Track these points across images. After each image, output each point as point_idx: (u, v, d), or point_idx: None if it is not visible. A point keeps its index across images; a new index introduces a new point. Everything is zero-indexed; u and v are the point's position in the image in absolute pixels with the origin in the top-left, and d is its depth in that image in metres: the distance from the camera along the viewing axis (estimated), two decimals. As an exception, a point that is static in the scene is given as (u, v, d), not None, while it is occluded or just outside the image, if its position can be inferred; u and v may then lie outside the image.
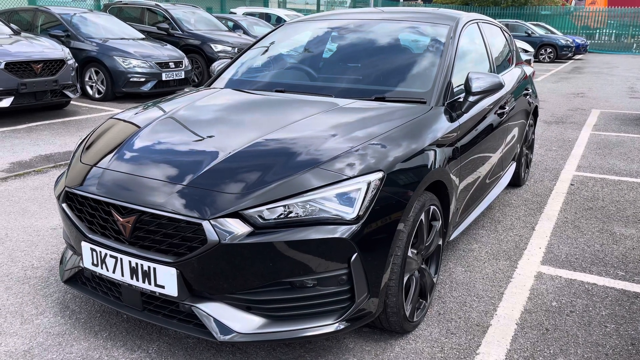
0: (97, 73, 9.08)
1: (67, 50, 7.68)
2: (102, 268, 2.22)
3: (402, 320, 2.39)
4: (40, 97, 7.16)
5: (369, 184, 2.11)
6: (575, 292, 2.98)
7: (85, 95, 9.19)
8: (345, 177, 2.10)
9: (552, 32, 23.44)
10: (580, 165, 5.70)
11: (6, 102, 6.70)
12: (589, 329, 2.63)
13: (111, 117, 2.96)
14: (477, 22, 3.79)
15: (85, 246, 2.25)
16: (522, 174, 4.84)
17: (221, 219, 1.98)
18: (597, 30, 32.23)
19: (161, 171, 2.21)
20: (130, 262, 2.11)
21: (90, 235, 2.24)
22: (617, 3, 32.96)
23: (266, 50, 3.66)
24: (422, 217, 2.43)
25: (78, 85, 7.77)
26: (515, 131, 4.22)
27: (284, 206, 2.03)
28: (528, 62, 15.33)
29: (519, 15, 30.44)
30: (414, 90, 2.95)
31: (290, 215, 2.02)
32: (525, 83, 4.58)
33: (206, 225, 1.97)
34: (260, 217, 2.01)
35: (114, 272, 2.18)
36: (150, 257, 2.07)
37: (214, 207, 2.00)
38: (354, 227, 2.04)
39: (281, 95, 3.03)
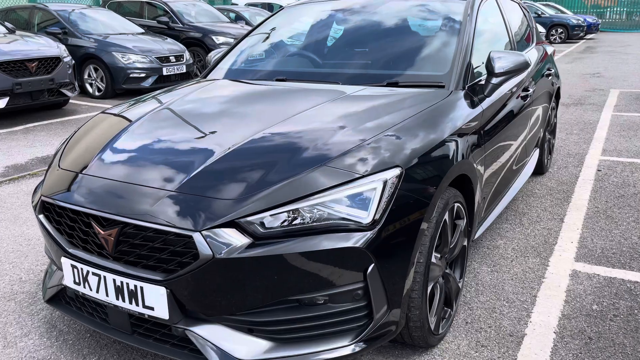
0: (96, 70, 8.83)
1: (63, 47, 7.42)
2: (84, 287, 1.95)
3: (427, 335, 2.11)
4: (37, 97, 6.91)
5: (385, 183, 1.82)
6: (617, 293, 2.68)
7: (84, 93, 8.94)
8: (357, 175, 1.81)
9: (563, 12, 22.84)
10: (606, 149, 5.36)
11: (1, 103, 6.47)
12: (636, 335, 2.33)
13: (95, 115, 2.69)
14: (495, -2, 3.46)
15: (66, 262, 1.99)
16: (545, 161, 4.52)
17: (215, 230, 1.70)
18: (608, 9, 31.43)
19: (147, 175, 1.93)
20: (114, 280, 1.85)
21: (70, 250, 1.98)
22: (628, -20, 32.10)
23: (266, 37, 3.36)
24: (446, 216, 2.14)
25: (76, 83, 7.52)
26: (538, 115, 3.90)
27: (288, 212, 1.74)
28: (539, 43, 14.93)
29: (527, -4, 29.73)
30: (430, 73, 2.64)
31: (295, 222, 1.74)
32: (547, 63, 4.25)
33: (197, 237, 1.69)
34: (261, 225, 1.73)
35: (97, 291, 1.91)
36: (137, 275, 1.80)
37: (206, 215, 1.72)
38: (370, 233, 1.76)
39: (283, 84, 2.74)
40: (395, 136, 2.02)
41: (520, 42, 3.81)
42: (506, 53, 2.67)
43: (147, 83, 8.82)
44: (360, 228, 1.76)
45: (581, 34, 21.59)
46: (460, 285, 2.46)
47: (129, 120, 2.40)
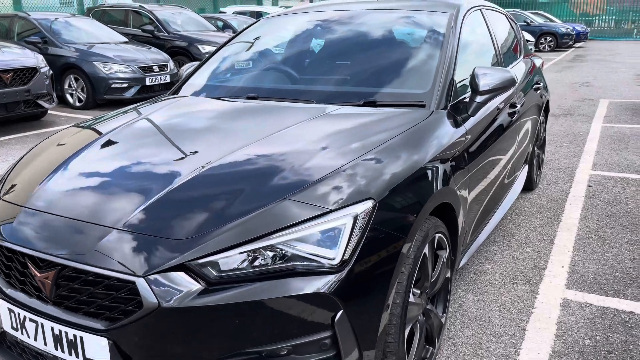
0: (76, 80, 8.61)
1: (40, 57, 7.20)
2: (22, 333, 1.75)
3: (405, 380, 1.92)
4: (12, 109, 6.68)
5: (355, 218, 1.64)
6: (611, 325, 2.51)
7: (65, 103, 8.72)
8: (324, 210, 1.63)
9: (552, 21, 22.89)
10: (596, 163, 5.22)
11: (-26, 116, 6.24)
12: (633, 374, 2.16)
13: (46, 138, 2.48)
14: (480, 9, 3.31)
15: (3, 305, 1.78)
16: (535, 177, 4.36)
17: (162, 274, 1.51)
18: (597, 17, 31.65)
19: (91, 209, 1.73)
20: (52, 328, 1.64)
21: (7, 291, 1.78)
22: (616, -12, 32.35)
23: (240, 51, 3.18)
24: (426, 249, 1.96)
25: (54, 94, 7.29)
26: (527, 130, 3.74)
27: (247, 253, 1.55)
28: (529, 52, 14.88)
29: (517, 4, 29.84)
30: (410, 91, 2.47)
31: (254, 265, 1.55)
32: (535, 75, 4.10)
33: (141, 283, 1.50)
34: (215, 268, 1.54)
35: (35, 339, 1.71)
36: (76, 323, 1.60)
37: (152, 257, 1.53)
38: (338, 275, 1.57)
39: (253, 102, 2.55)
40: (370, 164, 1.84)
41: (508, 55, 3.66)
42: (491, 69, 2.51)
43: (130, 93, 8.61)
44: (327, 270, 1.57)
45: (570, 43, 21.64)
46: (443, 320, 2.28)
47: (77, 147, 2.20)
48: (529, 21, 21.28)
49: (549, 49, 21.11)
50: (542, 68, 4.67)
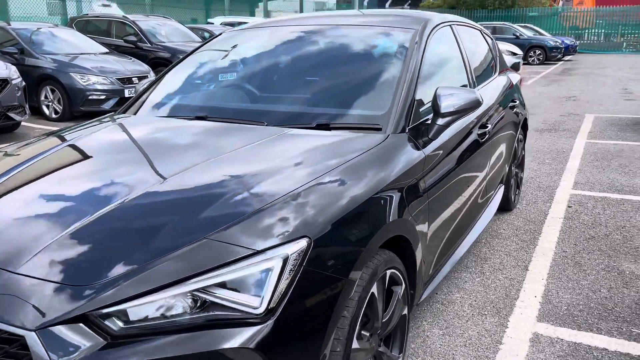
0: (53, 91, 8.41)
1: (13, 68, 7.01)
2: None
3: None
4: (-19, 121, 6.49)
5: (285, 260, 1.46)
6: (582, 364, 2.34)
7: (41, 115, 8.52)
8: (249, 251, 1.45)
9: (541, 34, 22.97)
10: (578, 182, 5.08)
11: (-61, 129, 6.03)
12: (602, 422, 1.99)
13: None
14: (450, 25, 3.17)
15: None
16: (512, 197, 4.22)
17: (57, 328, 1.33)
18: (586, 31, 31.82)
19: None
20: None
21: None
22: (605, 2, 32.59)
23: (197, 66, 3.02)
24: (374, 288, 1.79)
25: (27, 106, 7.09)
26: (501, 150, 3.60)
27: (159, 300, 1.38)
28: (517, 65, 14.81)
29: (506, 17, 29.97)
30: (366, 113, 2.31)
31: (168, 315, 1.38)
32: (511, 93, 3.96)
33: (32, 337, 1.32)
34: (122, 319, 1.36)
35: None
36: (-31, 379, 1.41)
37: (48, 307, 1.35)
38: (263, 327, 1.40)
39: (198, 124, 2.39)
40: (307, 197, 1.67)
41: (481, 72, 3.52)
42: (455, 90, 2.36)
43: (108, 105, 8.42)
44: (251, 320, 1.40)
45: (559, 56, 21.70)
46: (400, 362, 2.11)
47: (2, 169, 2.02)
48: (517, 34, 21.34)
49: (537, 62, 21.15)
50: (520, 85, 4.54)
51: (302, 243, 1.51)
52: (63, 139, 2.39)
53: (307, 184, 1.73)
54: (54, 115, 8.49)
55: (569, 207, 4.39)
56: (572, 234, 3.80)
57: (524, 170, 4.70)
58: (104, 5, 21.35)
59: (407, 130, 2.24)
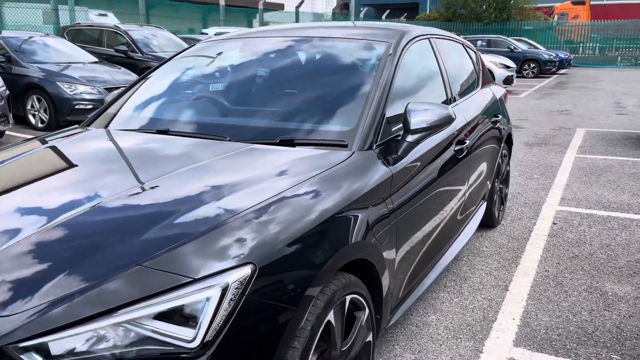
0: (39, 100, 8.32)
1: (-4, 77, 6.92)
2: None
3: None
4: (-38, 131, 6.38)
5: (225, 289, 1.36)
6: (557, 393, 2.24)
7: (27, 124, 8.42)
8: (186, 279, 1.36)
9: (535, 47, 23.02)
10: (565, 198, 4.99)
11: None
12: None
13: None
14: (429, 38, 3.10)
15: None
16: (496, 213, 4.13)
17: (-32, 363, 1.22)
18: (581, 44, 31.96)
19: None
20: None
21: None
22: (600, 16, 32.78)
23: (166, 78, 2.93)
24: (331, 316, 1.69)
25: (10, 116, 7.00)
26: (483, 167, 3.51)
27: (84, 333, 1.28)
28: (510, 78, 14.81)
29: (502, 30, 30.10)
30: (332, 129, 2.22)
31: (94, 350, 1.27)
32: (495, 107, 3.89)
33: None
34: (42, 353, 1.25)
35: None
36: None
37: (-40, 340, 1.25)
38: (198, 361, 1.29)
39: (158, 138, 2.29)
40: (258, 219, 1.58)
41: (463, 87, 3.45)
42: (427, 105, 2.27)
43: (95, 115, 8.32)
44: (183, 355, 1.29)
45: (553, 69, 21.74)
46: (363, 391, 2.00)
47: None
48: (512, 47, 21.38)
49: (532, 75, 21.18)
50: (505, 99, 4.47)
51: (246, 270, 1.41)
52: (18, 151, 2.29)
53: (257, 205, 1.63)
54: (40, 125, 8.38)
55: (554, 224, 4.30)
56: (556, 253, 3.71)
57: (509, 185, 4.61)
58: (101, 15, 21.36)
59: (374, 147, 2.15)
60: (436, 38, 3.23)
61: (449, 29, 30.01)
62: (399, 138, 2.29)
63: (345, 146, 2.11)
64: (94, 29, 12.06)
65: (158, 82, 2.88)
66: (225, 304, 1.35)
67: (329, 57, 2.65)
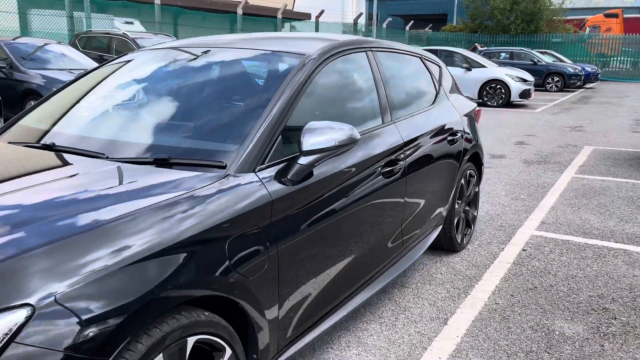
0: (36, 106, 8.39)
1: (-12, 83, 7.00)
2: None
3: None
4: (-52, 135, 6.44)
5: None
6: None
7: (24, 130, 8.51)
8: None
9: (561, 60, 22.39)
10: (544, 222, 4.69)
11: None
12: None
13: None
14: (366, 51, 2.90)
15: None
16: (458, 237, 3.87)
17: None
18: (613, 58, 31.01)
19: None
20: None
21: None
22: (633, 30, 31.78)
23: (79, 89, 2.79)
24: (160, 360, 1.51)
25: (1, 120, 7.06)
26: (432, 188, 3.28)
27: None
28: (527, 92, 14.34)
29: (529, 42, 29.44)
30: (213, 148, 2.05)
31: None
32: (454, 125, 3.64)
33: None
34: None
35: None
36: None
37: None
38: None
39: (35, 153, 2.16)
40: (50, 252, 1.40)
41: (409, 103, 3.23)
42: (327, 124, 2.08)
43: (90, 122, 8.35)
44: None
45: (578, 83, 21.05)
46: None
47: None
48: (535, 60, 20.82)
49: (556, 89, 20.57)
50: (477, 115, 4.22)
51: (18, 315, 1.25)
52: None
53: (77, 232, 1.46)
54: (36, 130, 8.46)
55: (524, 250, 4.02)
56: (513, 283, 3.44)
57: (478, 208, 4.34)
58: (127, 23, 21.74)
59: (256, 170, 1.97)
60: (378, 51, 3.03)
61: (474, 40, 29.52)
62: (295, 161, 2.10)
63: (223, 167, 1.94)
64: (104, 36, 12.23)
65: (68, 94, 2.76)
66: (-18, 352, 1.19)
67: (234, 71, 2.49)
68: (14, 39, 9.64)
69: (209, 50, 2.65)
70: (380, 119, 2.82)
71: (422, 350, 2.66)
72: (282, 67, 2.40)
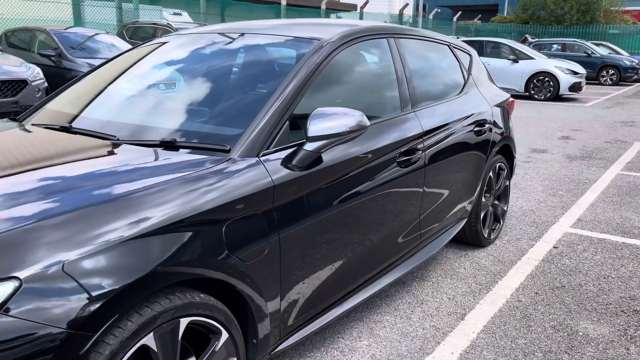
0: (82, 94, 8.70)
1: (36, 70, 7.28)
2: None
3: None
4: (-2, 120, 6.76)
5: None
6: None
7: (71, 116, 8.85)
8: None
9: (617, 52, 21.36)
10: (581, 219, 4.49)
11: (-44, 125, 6.33)
12: None
13: None
14: (387, 38, 2.83)
15: None
16: (485, 232, 3.75)
17: None
18: (677, 50, 29.35)
19: None
20: None
21: None
22: (700, 21, 29.95)
23: (102, 74, 2.85)
24: (149, 340, 1.53)
25: (47, 107, 7.35)
26: (456, 180, 3.19)
27: None
28: (578, 85, 13.74)
29: (584, 34, 28.23)
30: (219, 132, 2.05)
31: None
32: (483, 115, 3.52)
33: None
34: None
35: None
36: None
37: None
38: None
39: (50, 134, 2.22)
40: (48, 227, 1.44)
41: (434, 92, 3.14)
42: (335, 110, 2.05)
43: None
44: None
45: (635, 77, 20.03)
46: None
47: None
48: (589, 52, 19.94)
49: (610, 82, 19.66)
50: (510, 107, 4.06)
51: (6, 287, 1.28)
52: None
53: (60, 212, 1.49)
54: (81, 117, 8.77)
55: (555, 247, 3.86)
56: (540, 281, 3.31)
57: (508, 202, 4.19)
58: (175, 14, 22.21)
59: (260, 155, 1.95)
60: (401, 38, 2.95)
61: (525, 31, 28.53)
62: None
63: (227, 151, 1.94)
64: (150, 26, 12.53)
65: (93, 79, 2.82)
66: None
67: (251, 57, 2.47)
68: (65, 29, 10.01)
69: (227, 36, 2.66)
70: (400, 108, 2.76)
71: (435, 344, 2.60)
72: (295, 52, 2.37)
